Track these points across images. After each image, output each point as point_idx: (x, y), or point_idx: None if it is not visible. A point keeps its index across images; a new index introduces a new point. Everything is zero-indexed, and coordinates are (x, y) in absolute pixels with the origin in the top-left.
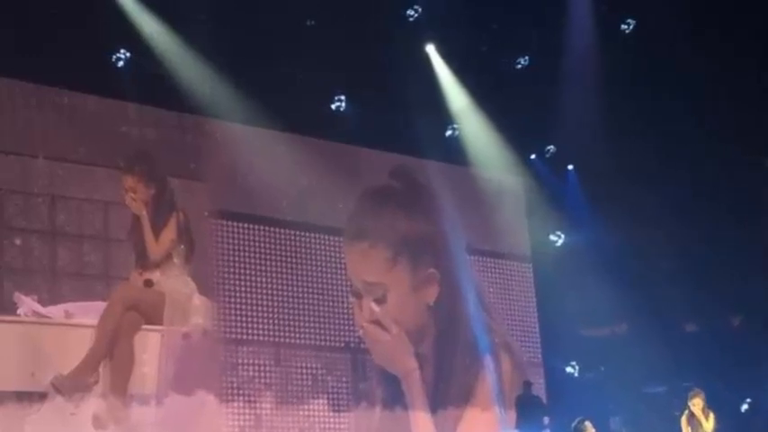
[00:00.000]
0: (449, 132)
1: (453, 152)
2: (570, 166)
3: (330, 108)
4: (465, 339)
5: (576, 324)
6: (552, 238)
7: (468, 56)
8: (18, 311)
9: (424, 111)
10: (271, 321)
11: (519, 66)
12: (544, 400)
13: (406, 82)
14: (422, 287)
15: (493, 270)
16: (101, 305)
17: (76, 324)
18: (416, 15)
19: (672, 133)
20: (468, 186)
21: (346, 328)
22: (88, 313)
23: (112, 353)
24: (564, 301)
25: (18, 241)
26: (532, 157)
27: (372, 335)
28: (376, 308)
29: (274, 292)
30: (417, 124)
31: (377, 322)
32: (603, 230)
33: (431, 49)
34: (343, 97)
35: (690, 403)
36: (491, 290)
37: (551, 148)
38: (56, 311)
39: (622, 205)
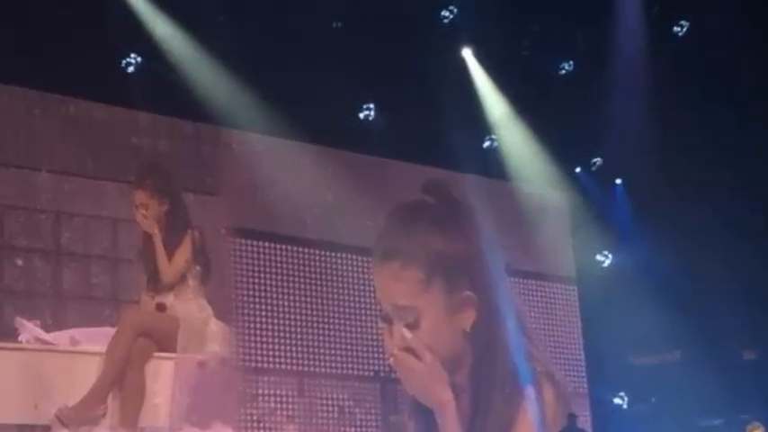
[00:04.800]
0: (486, 144)
1: (491, 165)
2: (618, 180)
3: (358, 117)
4: (504, 368)
5: (624, 351)
6: (599, 258)
7: (507, 61)
8: (20, 338)
9: (459, 120)
10: (293, 349)
11: (563, 71)
12: None
13: (441, 89)
14: (458, 311)
15: (535, 293)
16: (109, 331)
17: (83, 351)
18: (451, 17)
19: (729, 145)
20: (507, 202)
21: (375, 355)
22: (95, 340)
23: (122, 383)
24: (611, 326)
25: (20, 261)
26: (577, 170)
27: (404, 363)
28: (408, 334)
29: (297, 317)
30: (452, 135)
31: (409, 349)
32: (654, 250)
33: (467, 53)
34: (372, 106)
35: None
36: (533, 314)
37: (598, 160)
38: (61, 338)
39: (675, 223)
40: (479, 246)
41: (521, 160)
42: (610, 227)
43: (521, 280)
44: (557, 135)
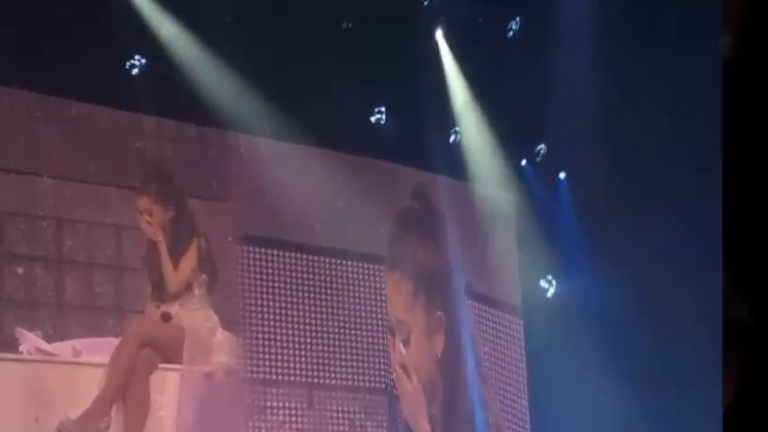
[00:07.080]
0: (452, 138)
1: (456, 163)
2: (562, 174)
3: (370, 121)
4: (465, 413)
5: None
6: (543, 284)
7: (466, 32)
8: (20, 349)
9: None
10: (303, 360)
11: (510, 32)
12: None
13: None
14: (433, 332)
15: (486, 322)
16: (112, 342)
17: (85, 363)
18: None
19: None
20: (467, 207)
21: (387, 367)
22: (98, 351)
23: (126, 395)
24: (554, 365)
25: (20, 270)
26: (523, 162)
27: (401, 382)
28: (403, 350)
29: (307, 327)
30: (429, 132)
31: (404, 367)
32: (604, 277)
33: (439, 35)
34: (383, 109)
35: None
36: (486, 350)
37: (542, 147)
38: (62, 348)
39: (630, 234)
40: (447, 260)
41: (474, 153)
42: (555, 237)
43: (475, 304)
44: (507, 117)
